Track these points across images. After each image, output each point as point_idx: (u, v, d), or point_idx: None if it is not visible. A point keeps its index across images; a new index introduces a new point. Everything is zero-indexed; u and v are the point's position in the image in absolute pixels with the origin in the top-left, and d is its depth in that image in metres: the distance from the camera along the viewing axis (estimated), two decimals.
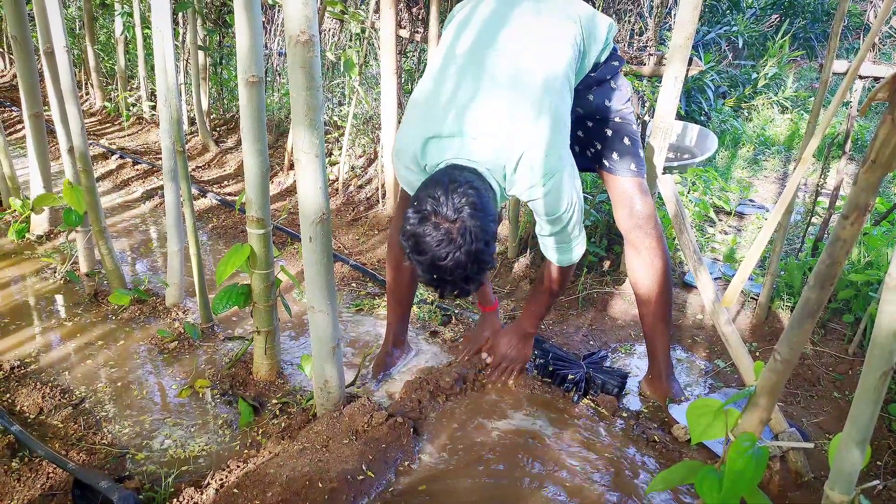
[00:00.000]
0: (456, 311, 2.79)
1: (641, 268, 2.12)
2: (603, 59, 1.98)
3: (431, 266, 1.53)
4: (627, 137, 2.04)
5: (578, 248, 1.96)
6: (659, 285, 2.13)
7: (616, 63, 2.03)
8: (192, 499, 1.72)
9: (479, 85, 1.69)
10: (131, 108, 5.95)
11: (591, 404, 2.22)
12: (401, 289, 2.37)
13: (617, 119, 2.04)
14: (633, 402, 2.30)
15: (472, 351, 2.38)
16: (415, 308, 2.72)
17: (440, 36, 3.50)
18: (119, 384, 2.28)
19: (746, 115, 6.41)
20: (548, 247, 1.96)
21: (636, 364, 2.53)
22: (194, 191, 4.11)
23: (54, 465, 1.84)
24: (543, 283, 2.12)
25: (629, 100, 2.08)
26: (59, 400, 2.16)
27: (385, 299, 2.90)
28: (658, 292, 2.14)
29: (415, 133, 1.74)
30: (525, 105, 1.69)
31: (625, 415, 2.18)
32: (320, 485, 1.71)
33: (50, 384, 2.23)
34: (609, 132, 2.04)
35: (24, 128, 3.30)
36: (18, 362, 2.35)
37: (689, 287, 3.04)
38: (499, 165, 1.69)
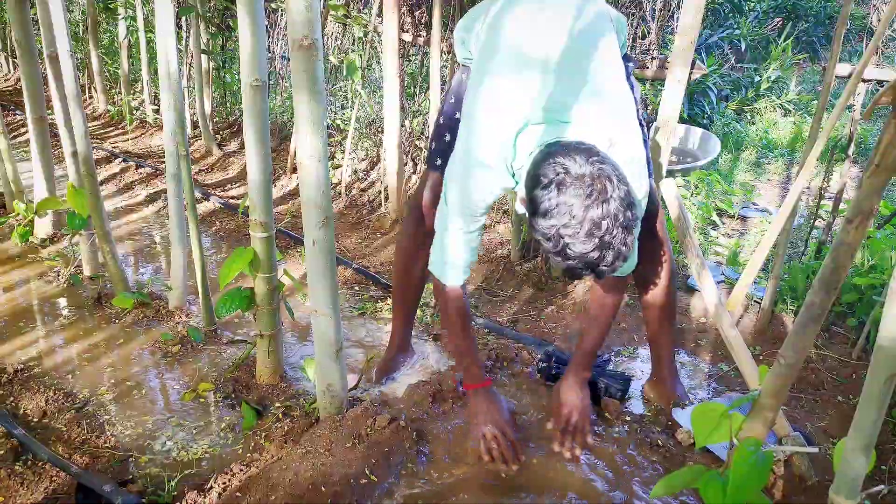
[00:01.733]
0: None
1: (649, 271, 2.10)
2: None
3: (589, 232, 1.36)
4: None
5: (635, 255, 1.81)
6: (664, 288, 2.12)
7: (630, 64, 2.02)
8: (195, 502, 1.72)
9: (556, 73, 1.63)
10: (134, 111, 5.97)
11: (595, 408, 2.22)
12: (407, 294, 2.36)
13: None
14: (636, 405, 2.30)
15: (493, 444, 1.93)
16: (418, 312, 2.72)
17: (443, 40, 3.51)
18: (122, 387, 2.28)
19: (749, 118, 6.41)
20: None
21: (639, 367, 2.53)
22: (197, 194, 4.12)
23: (57, 469, 1.84)
24: (594, 310, 1.96)
25: (640, 101, 2.07)
26: (63, 403, 2.16)
27: (388, 302, 2.90)
28: (663, 295, 2.13)
29: (502, 129, 1.62)
30: (608, 98, 1.65)
31: (628, 418, 2.18)
32: (323, 488, 1.71)
33: (53, 387, 2.23)
34: None
35: (27, 131, 3.31)
36: (22, 365, 2.35)
37: (692, 290, 3.03)
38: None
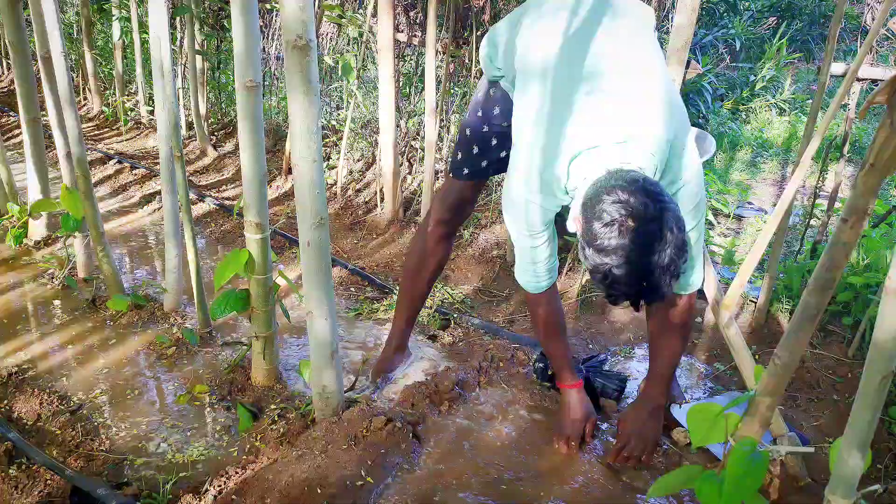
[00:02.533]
0: (454, 315, 2.79)
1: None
2: None
3: (644, 273, 1.42)
4: None
5: (700, 270, 1.84)
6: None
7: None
8: None
9: (607, 94, 1.64)
10: (129, 112, 5.95)
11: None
12: (414, 293, 2.36)
13: None
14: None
15: (571, 440, 2.02)
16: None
17: (438, 40, 3.51)
18: (117, 390, 2.27)
19: (744, 117, 6.42)
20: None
21: (635, 367, 2.53)
22: (192, 195, 4.10)
23: (52, 473, 1.83)
24: (661, 329, 1.95)
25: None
26: (57, 406, 2.15)
27: (384, 303, 2.90)
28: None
29: (553, 158, 1.64)
30: (655, 100, 1.65)
31: None
32: (319, 491, 1.70)
33: (48, 390, 2.22)
34: None
35: (21, 133, 3.29)
36: (16, 368, 2.34)
37: None
38: (654, 161, 1.60)
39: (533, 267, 1.88)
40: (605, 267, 1.44)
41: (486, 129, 2.06)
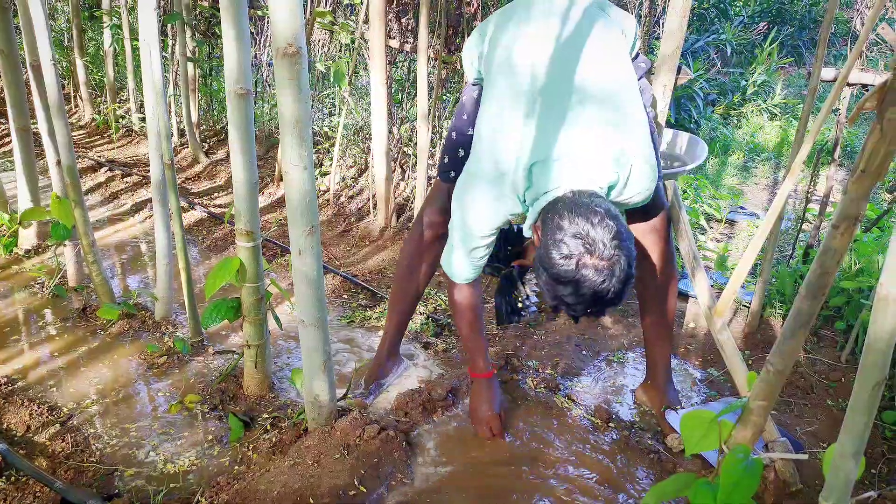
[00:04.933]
0: (448, 322, 2.78)
1: (652, 274, 2.06)
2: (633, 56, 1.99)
3: (591, 302, 1.53)
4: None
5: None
6: (668, 292, 2.11)
7: (643, 65, 2.03)
8: None
9: (573, 105, 1.68)
10: (120, 120, 5.93)
11: (585, 414, 2.21)
12: (405, 299, 2.35)
13: None
14: (626, 411, 2.29)
15: (491, 426, 2.09)
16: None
17: (430, 46, 3.51)
18: (108, 400, 2.25)
19: (736, 122, 6.45)
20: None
21: (630, 373, 2.52)
22: (184, 203, 4.09)
23: (41, 485, 1.81)
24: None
25: (651, 103, 2.07)
26: (47, 417, 2.13)
27: (376, 311, 2.89)
28: (666, 299, 2.11)
29: (514, 161, 1.68)
30: (623, 119, 1.70)
31: (619, 424, 2.17)
32: (311, 501, 1.69)
33: (37, 401, 2.19)
34: None
35: (11, 141, 3.27)
36: (5, 379, 2.31)
37: (681, 295, 3.04)
38: (612, 182, 1.67)
39: (467, 259, 1.91)
40: (557, 295, 1.55)
41: (471, 131, 2.05)
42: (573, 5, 1.84)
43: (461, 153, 2.09)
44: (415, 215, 3.60)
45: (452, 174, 2.13)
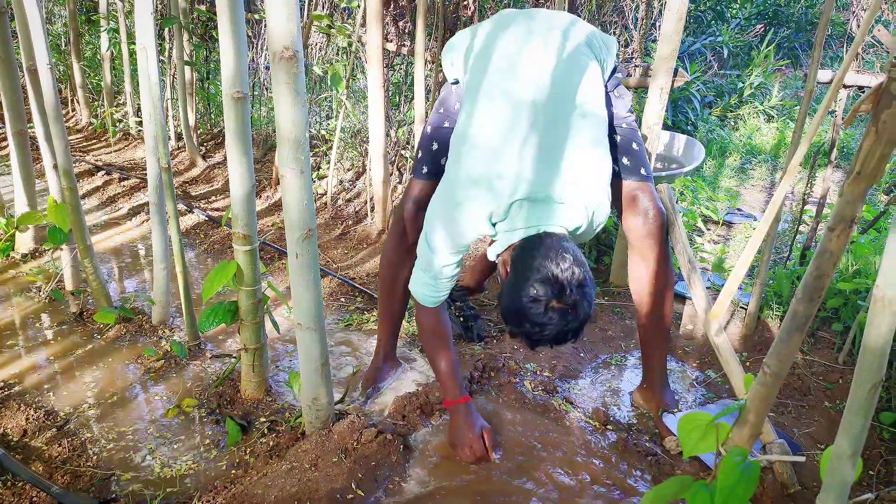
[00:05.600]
0: None
1: (648, 277, 2.07)
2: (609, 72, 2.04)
3: (552, 340, 1.66)
4: (635, 143, 2.05)
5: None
6: (664, 296, 2.10)
7: (619, 74, 2.08)
8: None
9: (555, 142, 1.78)
10: (118, 123, 5.92)
11: (583, 417, 2.21)
12: (393, 305, 2.35)
13: (624, 125, 2.05)
14: (624, 413, 2.29)
15: (475, 454, 1.99)
16: (404, 323, 2.70)
17: (427, 49, 3.51)
18: (105, 404, 2.24)
19: (733, 124, 6.46)
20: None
21: (627, 376, 2.52)
22: (181, 207, 4.08)
23: (38, 489, 1.81)
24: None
25: (631, 108, 2.09)
26: (44, 422, 2.12)
27: (374, 314, 2.89)
28: (663, 303, 2.11)
29: (496, 196, 1.74)
30: (597, 162, 1.82)
31: (616, 427, 2.17)
32: None
33: (34, 405, 2.19)
34: (618, 138, 2.06)
35: (7, 145, 3.27)
36: (2, 383, 2.31)
37: (678, 297, 3.04)
38: (579, 224, 1.79)
39: (434, 282, 1.94)
40: (520, 330, 1.66)
41: (446, 124, 2.10)
42: (572, 28, 1.94)
43: (435, 146, 2.12)
44: None
45: (425, 169, 2.17)
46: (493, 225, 1.79)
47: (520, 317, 1.63)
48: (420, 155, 2.16)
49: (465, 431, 1.99)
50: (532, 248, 1.67)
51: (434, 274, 1.91)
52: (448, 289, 1.98)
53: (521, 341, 1.71)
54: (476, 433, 1.99)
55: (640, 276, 2.09)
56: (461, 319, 2.72)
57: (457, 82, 2.10)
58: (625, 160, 2.04)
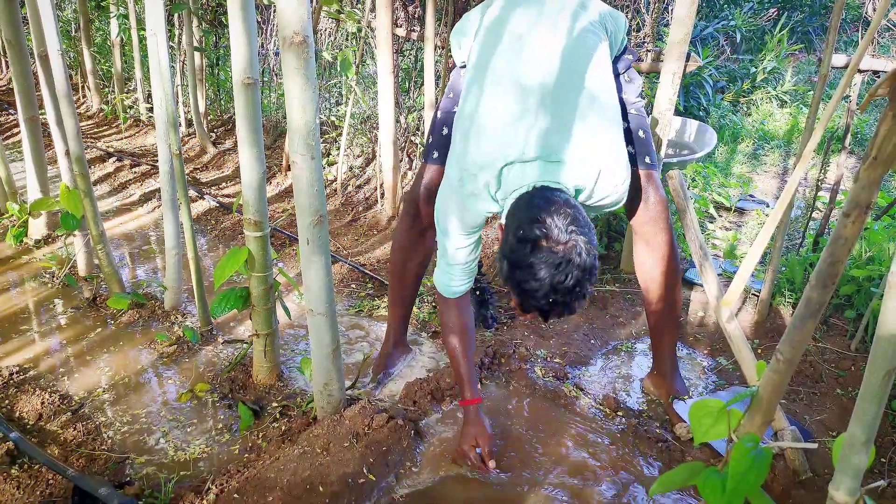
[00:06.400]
0: None
1: (653, 263, 2.07)
2: (618, 53, 2.00)
3: (549, 291, 1.50)
4: (642, 130, 2.02)
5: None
6: (670, 281, 2.09)
7: (630, 56, 2.04)
8: None
9: (549, 107, 1.71)
10: (128, 110, 5.94)
11: (594, 403, 2.21)
12: (403, 290, 2.35)
13: (633, 111, 2.03)
14: (635, 400, 2.29)
15: (483, 454, 1.93)
16: (415, 308, 2.71)
17: (437, 35, 3.49)
18: (118, 389, 2.27)
19: (745, 109, 6.40)
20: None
21: (638, 362, 2.52)
22: (192, 193, 4.10)
23: (54, 472, 1.83)
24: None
25: (641, 93, 2.07)
26: (59, 406, 2.15)
27: (384, 300, 2.89)
28: (668, 288, 2.10)
29: (487, 161, 1.70)
30: (597, 122, 1.73)
31: (627, 413, 2.17)
32: (321, 489, 1.70)
33: (49, 390, 2.21)
34: (625, 124, 2.02)
35: (20, 131, 3.28)
36: (17, 368, 2.34)
37: (690, 284, 3.03)
38: (580, 185, 1.70)
39: (449, 268, 1.91)
40: (514, 281, 1.52)
41: (454, 109, 2.07)
42: (582, 10, 1.89)
43: (445, 131, 2.10)
44: None
45: (436, 154, 2.15)
46: (497, 201, 1.74)
47: (512, 267, 1.52)
48: (431, 140, 2.16)
49: (475, 431, 1.94)
50: (520, 199, 1.60)
51: (448, 259, 1.90)
52: (466, 278, 1.94)
53: (522, 306, 1.57)
54: (487, 436, 1.94)
55: (644, 262, 2.09)
56: (476, 293, 2.69)
57: (465, 66, 2.08)
58: (629, 148, 2.01)
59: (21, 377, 2.30)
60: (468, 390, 1.98)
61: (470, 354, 2.00)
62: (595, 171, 1.69)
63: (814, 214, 3.21)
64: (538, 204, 1.53)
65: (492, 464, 1.91)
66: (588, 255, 1.50)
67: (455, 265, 1.90)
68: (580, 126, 1.70)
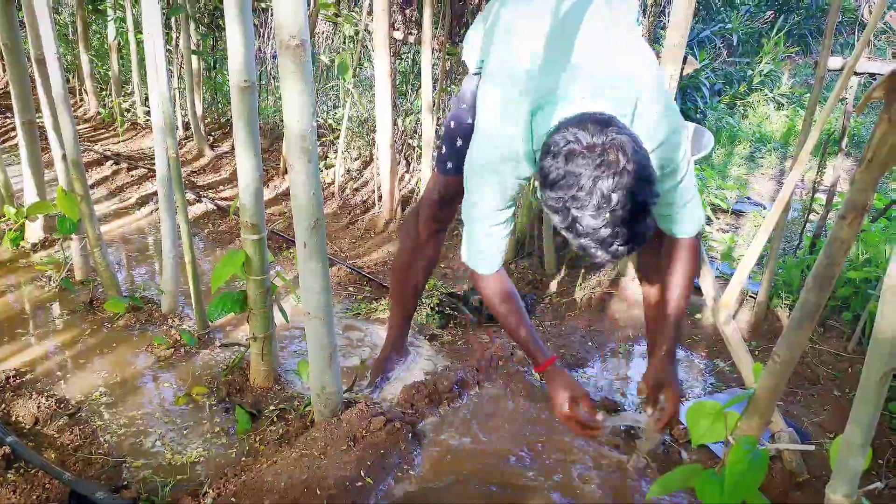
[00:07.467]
0: (454, 314, 2.78)
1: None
2: None
3: (598, 205, 1.29)
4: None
5: (697, 210, 1.74)
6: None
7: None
8: None
9: (577, 54, 1.57)
10: (126, 113, 5.93)
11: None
12: (406, 292, 2.34)
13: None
14: (632, 402, 2.29)
15: (580, 415, 1.74)
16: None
17: (434, 38, 3.49)
18: (115, 393, 2.26)
19: (742, 112, 6.42)
20: (677, 217, 1.71)
21: (635, 364, 2.52)
22: (190, 196, 4.09)
23: (50, 477, 1.82)
24: (667, 266, 1.81)
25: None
26: (55, 409, 2.14)
27: (382, 303, 2.89)
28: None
29: (517, 115, 1.55)
30: (627, 51, 1.61)
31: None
32: (318, 492, 1.70)
33: (45, 394, 2.21)
34: None
35: (17, 135, 3.28)
36: (14, 372, 2.33)
37: None
38: (618, 113, 1.49)
39: (488, 241, 1.75)
40: (560, 203, 1.34)
41: (469, 120, 2.00)
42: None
43: (459, 143, 2.04)
44: None
45: (449, 165, 2.07)
46: (534, 159, 1.57)
47: (551, 190, 1.33)
48: (444, 150, 2.09)
49: (566, 391, 1.73)
50: (556, 128, 1.42)
51: (485, 234, 1.74)
52: (501, 250, 1.78)
53: (584, 249, 1.36)
54: (577, 393, 1.73)
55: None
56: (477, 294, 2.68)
57: (478, 73, 1.98)
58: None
59: (18, 381, 2.29)
60: (539, 354, 1.80)
61: (525, 319, 1.82)
62: (633, 95, 1.53)
63: (810, 217, 3.21)
64: (567, 122, 1.39)
65: (600, 416, 1.73)
66: (636, 153, 1.31)
67: (493, 237, 1.74)
68: (605, 61, 1.57)
